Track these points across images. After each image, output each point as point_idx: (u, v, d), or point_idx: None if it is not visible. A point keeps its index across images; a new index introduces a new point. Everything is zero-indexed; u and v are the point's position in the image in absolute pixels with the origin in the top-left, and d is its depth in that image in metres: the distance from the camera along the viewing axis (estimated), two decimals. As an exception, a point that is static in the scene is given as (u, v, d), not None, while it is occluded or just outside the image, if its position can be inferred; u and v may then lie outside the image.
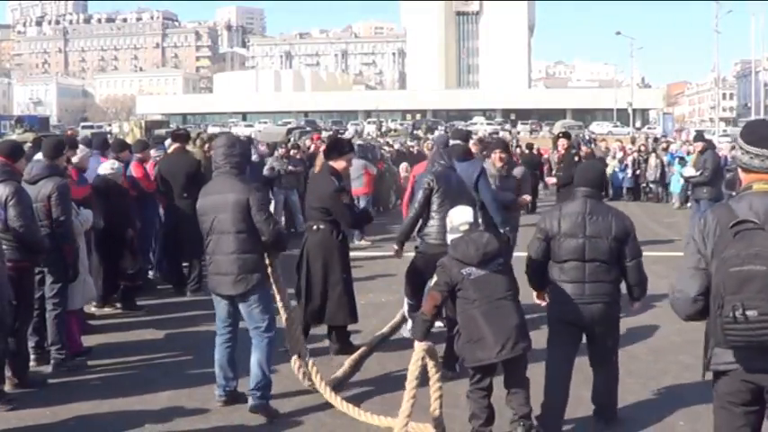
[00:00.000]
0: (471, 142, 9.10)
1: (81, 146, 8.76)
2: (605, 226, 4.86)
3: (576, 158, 12.97)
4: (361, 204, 13.74)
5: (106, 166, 8.42)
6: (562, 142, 12.83)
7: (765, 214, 3.02)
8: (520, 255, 6.12)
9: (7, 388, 5.67)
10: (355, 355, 6.54)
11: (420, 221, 6.57)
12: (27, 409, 5.47)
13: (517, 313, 4.72)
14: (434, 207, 6.42)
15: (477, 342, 4.65)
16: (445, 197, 6.36)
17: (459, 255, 4.82)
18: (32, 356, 6.22)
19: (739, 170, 3.22)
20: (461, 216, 5.05)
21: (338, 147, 7.02)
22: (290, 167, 13.90)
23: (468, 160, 7.44)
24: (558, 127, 54.94)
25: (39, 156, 6.98)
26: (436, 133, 51.22)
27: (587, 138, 22.52)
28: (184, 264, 9.66)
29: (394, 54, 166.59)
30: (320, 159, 7.17)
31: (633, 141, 27.19)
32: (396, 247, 6.86)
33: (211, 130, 40.46)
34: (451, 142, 8.06)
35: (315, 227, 6.67)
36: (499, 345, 4.58)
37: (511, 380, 4.78)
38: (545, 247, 4.94)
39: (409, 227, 6.68)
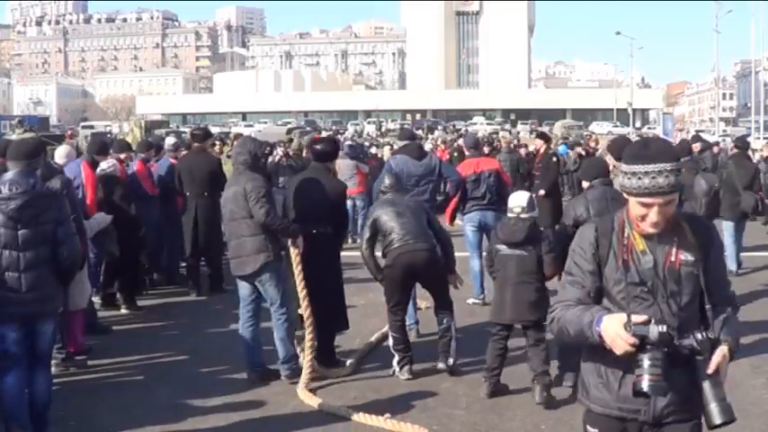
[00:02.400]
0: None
1: (65, 145, 8.81)
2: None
3: (555, 159, 12.95)
4: (358, 203, 13.77)
5: (102, 166, 8.42)
6: (538, 143, 12.84)
7: None
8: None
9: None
10: (355, 355, 6.56)
11: (379, 246, 6.34)
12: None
13: (534, 292, 5.57)
14: (385, 229, 6.21)
15: (498, 304, 5.71)
16: (389, 218, 6.23)
17: (498, 232, 5.85)
18: None
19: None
20: (514, 200, 5.88)
21: (336, 150, 7.07)
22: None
23: (425, 157, 7.98)
24: (558, 127, 54.95)
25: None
26: (436, 132, 51.22)
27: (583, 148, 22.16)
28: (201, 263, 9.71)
29: (394, 54, 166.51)
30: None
31: None
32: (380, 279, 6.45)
33: (211, 130, 40.39)
34: (400, 143, 8.58)
35: (315, 231, 6.21)
36: (511, 312, 5.61)
37: (529, 342, 5.63)
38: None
39: (372, 260, 6.34)
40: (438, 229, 6.43)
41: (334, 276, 6.45)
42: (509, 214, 5.88)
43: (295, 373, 5.95)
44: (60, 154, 8.02)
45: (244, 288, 6.06)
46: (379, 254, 6.40)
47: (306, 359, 5.94)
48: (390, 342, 6.24)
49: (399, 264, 6.10)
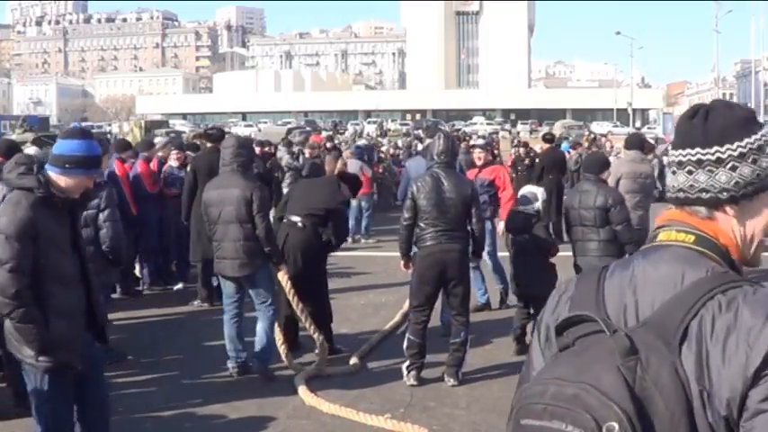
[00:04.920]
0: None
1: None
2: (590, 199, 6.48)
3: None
4: (363, 204, 13.78)
5: None
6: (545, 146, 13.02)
7: (649, 304, 1.33)
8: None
9: (7, 386, 5.68)
10: (357, 355, 6.56)
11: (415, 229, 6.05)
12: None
13: (534, 271, 6.46)
14: (421, 214, 5.89)
15: (512, 280, 6.93)
16: (428, 203, 5.87)
17: (506, 222, 7.08)
18: None
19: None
20: (522, 192, 6.97)
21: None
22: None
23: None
24: (558, 127, 54.90)
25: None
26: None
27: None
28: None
29: (394, 54, 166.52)
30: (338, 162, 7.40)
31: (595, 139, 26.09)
32: (402, 260, 6.22)
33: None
34: (428, 141, 8.31)
35: (300, 223, 6.56)
36: (518, 287, 6.74)
37: (526, 309, 6.70)
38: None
39: (407, 235, 6.05)
40: (478, 217, 6.04)
41: (321, 269, 6.80)
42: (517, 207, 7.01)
43: (263, 370, 6.07)
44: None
45: (229, 287, 6.19)
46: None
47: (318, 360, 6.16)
48: (405, 344, 6.09)
49: (430, 262, 5.88)
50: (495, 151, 20.17)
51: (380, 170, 17.40)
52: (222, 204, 5.95)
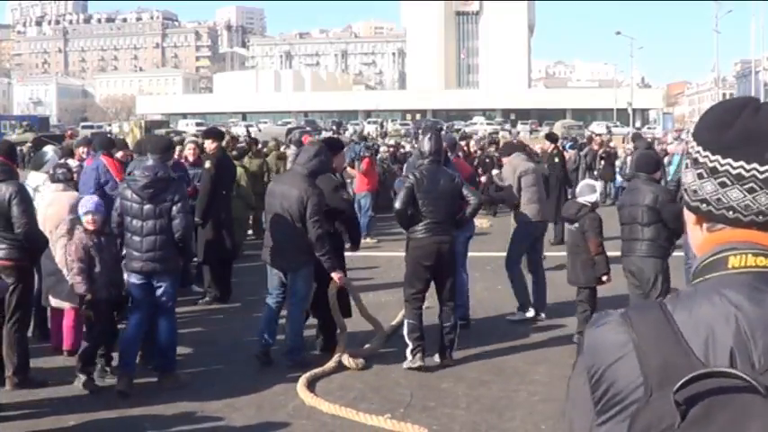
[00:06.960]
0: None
1: (49, 149, 8.66)
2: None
3: (557, 159, 13.19)
4: (362, 203, 13.74)
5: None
6: (547, 144, 13.07)
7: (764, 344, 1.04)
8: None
9: (7, 387, 5.68)
10: (357, 355, 6.55)
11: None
12: (30, 412, 5.47)
13: (581, 261, 6.91)
14: (419, 206, 6.24)
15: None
16: (425, 197, 6.23)
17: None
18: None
19: (689, 217, 1.23)
20: (579, 187, 7.60)
21: (332, 144, 7.33)
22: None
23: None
24: (558, 127, 54.91)
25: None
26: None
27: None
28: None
29: (394, 54, 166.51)
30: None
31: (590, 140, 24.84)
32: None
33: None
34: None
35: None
36: (569, 275, 7.12)
37: (576, 303, 7.07)
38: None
39: (405, 219, 6.37)
40: (472, 193, 6.55)
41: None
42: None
43: (297, 364, 6.21)
44: (48, 153, 7.96)
45: (275, 277, 6.48)
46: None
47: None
48: (405, 330, 6.37)
49: (424, 252, 6.27)
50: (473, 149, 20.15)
51: (368, 165, 17.15)
52: (282, 198, 6.28)
